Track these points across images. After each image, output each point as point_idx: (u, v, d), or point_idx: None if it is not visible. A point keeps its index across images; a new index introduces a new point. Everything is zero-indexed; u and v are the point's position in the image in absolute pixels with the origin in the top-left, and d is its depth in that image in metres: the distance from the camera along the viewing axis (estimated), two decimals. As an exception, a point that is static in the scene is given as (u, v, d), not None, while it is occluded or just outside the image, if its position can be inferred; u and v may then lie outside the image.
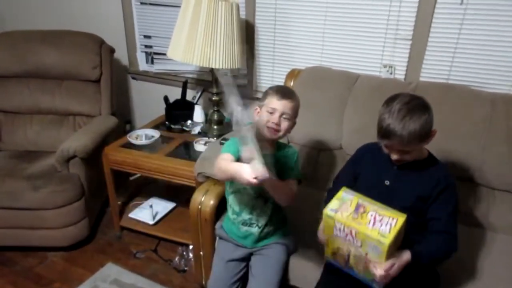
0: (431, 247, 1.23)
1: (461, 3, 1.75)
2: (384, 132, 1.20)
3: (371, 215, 1.14)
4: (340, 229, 1.16)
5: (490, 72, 1.80)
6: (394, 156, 1.26)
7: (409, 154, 1.24)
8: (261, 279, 1.44)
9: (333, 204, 1.20)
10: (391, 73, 1.99)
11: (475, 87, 1.80)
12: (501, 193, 1.65)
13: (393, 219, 1.13)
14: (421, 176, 1.29)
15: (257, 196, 1.41)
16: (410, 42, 1.91)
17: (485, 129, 1.62)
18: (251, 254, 1.52)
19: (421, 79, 1.93)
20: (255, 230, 1.46)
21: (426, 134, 1.19)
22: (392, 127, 1.17)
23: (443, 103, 1.66)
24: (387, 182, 1.33)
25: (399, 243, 1.17)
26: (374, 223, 1.12)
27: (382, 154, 1.32)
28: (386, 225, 1.12)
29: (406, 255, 1.17)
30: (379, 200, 1.24)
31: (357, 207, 1.17)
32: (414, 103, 1.19)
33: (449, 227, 1.26)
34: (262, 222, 1.44)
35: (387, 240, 1.08)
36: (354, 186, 1.40)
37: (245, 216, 1.45)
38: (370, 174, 1.38)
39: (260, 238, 1.48)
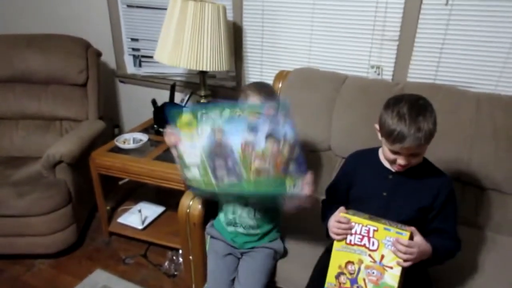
0: (444, 243, 1.23)
1: (447, 4, 1.76)
2: (396, 136, 1.14)
3: (385, 221, 1.17)
4: (356, 232, 1.17)
5: (476, 72, 1.82)
6: (401, 162, 1.20)
7: (418, 157, 1.20)
8: (245, 285, 1.44)
9: (349, 212, 1.23)
10: (378, 74, 2.00)
11: (461, 87, 1.81)
12: (489, 192, 1.67)
13: (404, 226, 1.16)
14: (419, 184, 1.26)
15: (237, 198, 1.42)
16: (397, 43, 1.92)
17: (472, 129, 1.63)
18: (241, 254, 1.51)
19: (408, 79, 1.94)
20: (240, 230, 1.46)
21: (434, 134, 1.17)
22: (406, 130, 1.12)
23: (430, 103, 1.67)
24: (384, 193, 1.30)
25: None
26: (390, 225, 1.15)
27: (376, 162, 1.30)
28: (401, 227, 1.15)
29: (426, 245, 1.15)
30: (377, 212, 1.25)
31: (370, 217, 1.20)
32: (421, 102, 1.17)
33: (454, 236, 1.27)
34: (245, 223, 1.44)
35: (408, 233, 1.11)
36: (348, 198, 1.39)
37: (230, 216, 1.46)
38: (365, 185, 1.34)
39: (248, 240, 1.47)
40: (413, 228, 1.13)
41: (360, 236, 1.17)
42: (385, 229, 1.13)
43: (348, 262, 1.19)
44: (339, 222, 1.19)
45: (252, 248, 1.49)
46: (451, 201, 1.27)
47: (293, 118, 1.21)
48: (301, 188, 1.22)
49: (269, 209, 1.45)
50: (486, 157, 1.61)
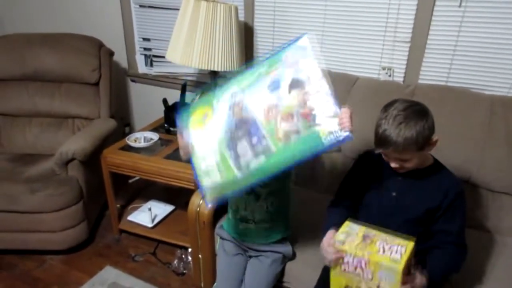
0: (443, 262, 1.21)
1: (460, 6, 1.75)
2: (379, 139, 1.17)
3: (380, 244, 1.12)
4: (348, 262, 1.13)
5: (489, 75, 1.80)
6: (393, 164, 1.23)
7: (409, 162, 1.20)
8: None
9: (340, 236, 1.17)
10: (389, 76, 1.99)
11: (474, 89, 1.80)
12: (500, 195, 1.65)
13: (401, 246, 1.11)
14: (428, 185, 1.27)
15: (249, 193, 1.41)
16: (409, 45, 1.91)
17: (484, 132, 1.62)
18: (249, 257, 1.51)
19: (420, 81, 1.93)
20: (252, 226, 1.45)
21: (424, 141, 1.15)
22: (388, 133, 1.14)
23: (442, 106, 1.66)
24: (393, 193, 1.31)
25: (409, 268, 1.13)
26: (384, 252, 1.10)
27: (386, 163, 1.30)
28: (396, 252, 1.10)
29: (421, 279, 1.12)
30: (386, 211, 1.26)
31: (364, 238, 1.15)
32: (411, 109, 1.16)
33: (459, 239, 1.25)
34: (257, 218, 1.44)
35: (400, 265, 1.06)
36: (358, 199, 1.39)
37: (242, 212, 1.45)
38: (375, 185, 1.35)
39: (259, 234, 1.46)
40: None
41: (354, 266, 1.13)
42: (376, 263, 1.08)
43: (347, 286, 1.17)
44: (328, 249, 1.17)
45: (262, 251, 1.48)
46: (459, 203, 1.26)
47: (317, 50, 1.09)
48: (339, 130, 1.06)
49: (281, 203, 1.45)
50: (498, 160, 1.60)
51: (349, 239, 1.15)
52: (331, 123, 1.07)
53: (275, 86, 1.12)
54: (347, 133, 1.06)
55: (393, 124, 1.14)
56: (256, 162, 1.15)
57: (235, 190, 1.23)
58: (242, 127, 1.17)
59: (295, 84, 1.11)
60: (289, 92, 1.11)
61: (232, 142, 1.18)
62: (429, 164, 1.29)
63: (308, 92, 1.09)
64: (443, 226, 1.26)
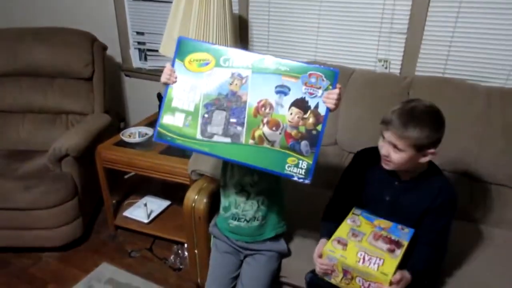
0: (423, 260, 1.23)
1: (456, -4, 1.73)
2: (385, 118, 1.17)
3: (359, 281, 1.15)
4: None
5: (486, 66, 1.79)
6: (383, 151, 1.21)
7: (398, 153, 1.17)
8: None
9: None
10: (386, 68, 1.97)
11: (471, 80, 1.78)
12: (497, 187, 1.64)
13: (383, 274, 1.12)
14: (422, 190, 1.26)
15: (239, 191, 1.38)
16: (405, 36, 1.89)
17: (481, 123, 1.60)
18: (245, 257, 1.50)
19: (417, 73, 1.91)
20: (243, 224, 1.42)
21: (421, 146, 1.15)
22: (397, 116, 1.14)
23: (439, 97, 1.62)
24: (387, 198, 1.31)
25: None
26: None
27: (382, 167, 1.28)
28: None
29: (407, 275, 1.16)
30: (381, 215, 1.29)
31: (344, 272, 1.17)
32: (427, 109, 1.16)
33: (439, 240, 1.25)
34: (248, 216, 1.41)
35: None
36: (354, 200, 1.39)
37: (233, 210, 1.42)
38: (370, 187, 1.35)
39: (251, 233, 1.44)
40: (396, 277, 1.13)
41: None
42: None
43: None
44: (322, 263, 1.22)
45: (255, 250, 1.46)
46: (447, 206, 1.24)
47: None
48: (302, 170, 1.09)
49: (273, 201, 1.42)
50: (494, 152, 1.59)
51: (333, 274, 1.21)
52: (302, 160, 1.09)
53: (282, 90, 1.11)
54: (307, 181, 1.08)
55: (406, 114, 1.14)
56: (219, 139, 1.15)
57: (184, 146, 1.20)
58: (231, 100, 1.16)
59: (300, 104, 1.10)
60: (289, 106, 1.11)
61: (213, 105, 1.17)
62: (423, 170, 1.27)
63: (306, 120, 1.09)
64: (426, 224, 1.26)
